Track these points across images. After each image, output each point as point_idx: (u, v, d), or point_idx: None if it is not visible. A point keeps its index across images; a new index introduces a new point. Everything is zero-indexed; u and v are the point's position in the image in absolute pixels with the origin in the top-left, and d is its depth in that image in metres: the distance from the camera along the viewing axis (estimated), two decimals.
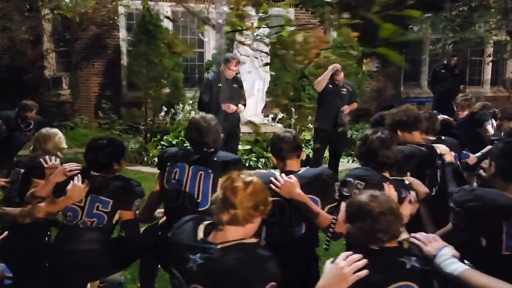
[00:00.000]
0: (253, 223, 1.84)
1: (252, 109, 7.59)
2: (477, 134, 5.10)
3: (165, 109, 8.04)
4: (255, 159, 6.96)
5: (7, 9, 8.16)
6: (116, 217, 2.85)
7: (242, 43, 2.66)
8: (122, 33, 9.99)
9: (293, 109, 8.23)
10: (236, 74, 7.20)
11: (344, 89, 6.24)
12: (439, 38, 10.25)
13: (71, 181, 2.71)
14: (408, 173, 3.05)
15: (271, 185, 2.53)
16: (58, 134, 3.38)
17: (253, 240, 1.84)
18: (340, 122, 6.09)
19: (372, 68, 12.77)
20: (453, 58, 7.84)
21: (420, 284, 1.70)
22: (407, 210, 2.48)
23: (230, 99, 5.68)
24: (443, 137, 3.72)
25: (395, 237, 1.82)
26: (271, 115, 7.75)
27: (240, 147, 7.07)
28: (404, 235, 1.95)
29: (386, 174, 2.62)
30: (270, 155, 7.57)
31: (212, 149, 2.96)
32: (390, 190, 2.44)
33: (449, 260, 1.71)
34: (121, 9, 9.62)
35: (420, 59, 11.90)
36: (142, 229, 3.07)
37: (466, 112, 5.42)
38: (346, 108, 6.20)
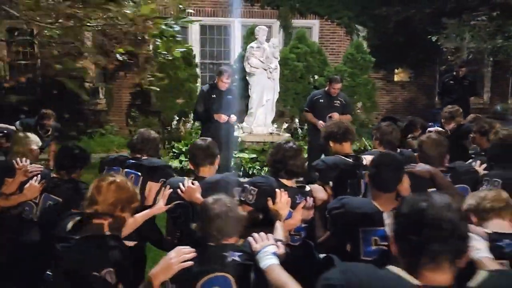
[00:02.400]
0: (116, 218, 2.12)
1: (261, 120, 7.75)
2: (463, 147, 5.04)
3: (177, 118, 8.50)
4: (259, 167, 7.20)
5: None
6: None
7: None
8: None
9: (297, 120, 8.37)
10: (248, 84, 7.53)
11: (338, 101, 6.26)
12: (472, 47, 9.95)
13: (30, 181, 3.16)
14: (330, 182, 3.23)
15: (178, 189, 2.81)
16: (29, 137, 3.79)
17: (112, 233, 2.12)
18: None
19: (405, 78, 12.59)
20: (461, 69, 7.57)
21: (236, 275, 1.91)
22: (299, 214, 2.66)
23: (224, 110, 5.96)
24: (399, 150, 3.81)
25: (230, 236, 2.05)
26: (275, 125, 7.94)
27: (245, 155, 7.34)
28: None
29: (289, 182, 2.80)
30: None
31: (146, 156, 3.30)
32: (282, 196, 2.62)
33: (266, 256, 1.90)
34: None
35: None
36: None
37: (452, 124, 5.37)
38: (335, 114, 6.02)
